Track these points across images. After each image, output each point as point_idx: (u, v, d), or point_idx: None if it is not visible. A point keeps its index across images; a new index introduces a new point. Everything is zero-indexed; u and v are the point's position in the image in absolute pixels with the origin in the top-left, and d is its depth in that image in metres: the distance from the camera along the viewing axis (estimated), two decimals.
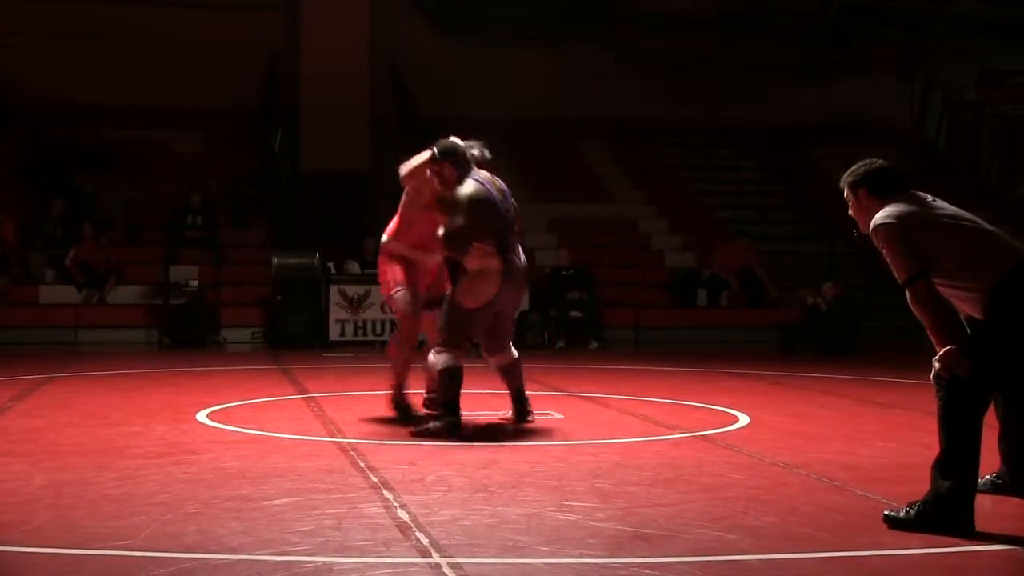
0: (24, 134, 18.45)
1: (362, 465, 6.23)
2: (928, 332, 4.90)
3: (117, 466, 6.18)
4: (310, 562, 4.30)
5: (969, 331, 4.99)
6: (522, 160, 20.09)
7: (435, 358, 7.46)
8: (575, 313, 16.35)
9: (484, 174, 7.51)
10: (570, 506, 5.25)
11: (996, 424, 5.42)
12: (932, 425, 4.95)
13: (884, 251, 4.98)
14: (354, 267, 16.18)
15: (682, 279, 17.61)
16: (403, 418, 7.98)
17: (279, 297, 15.37)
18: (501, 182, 7.60)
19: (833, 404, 9.59)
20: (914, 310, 4.93)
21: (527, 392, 7.92)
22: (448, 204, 7.36)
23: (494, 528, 4.82)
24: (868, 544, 4.67)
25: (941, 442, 4.87)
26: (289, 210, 17.49)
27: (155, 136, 19.14)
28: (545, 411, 8.64)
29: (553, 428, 7.86)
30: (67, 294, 15.94)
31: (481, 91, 19.79)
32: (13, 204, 16.82)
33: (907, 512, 4.86)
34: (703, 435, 7.51)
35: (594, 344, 16.02)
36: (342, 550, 4.45)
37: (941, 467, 4.84)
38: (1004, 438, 5.45)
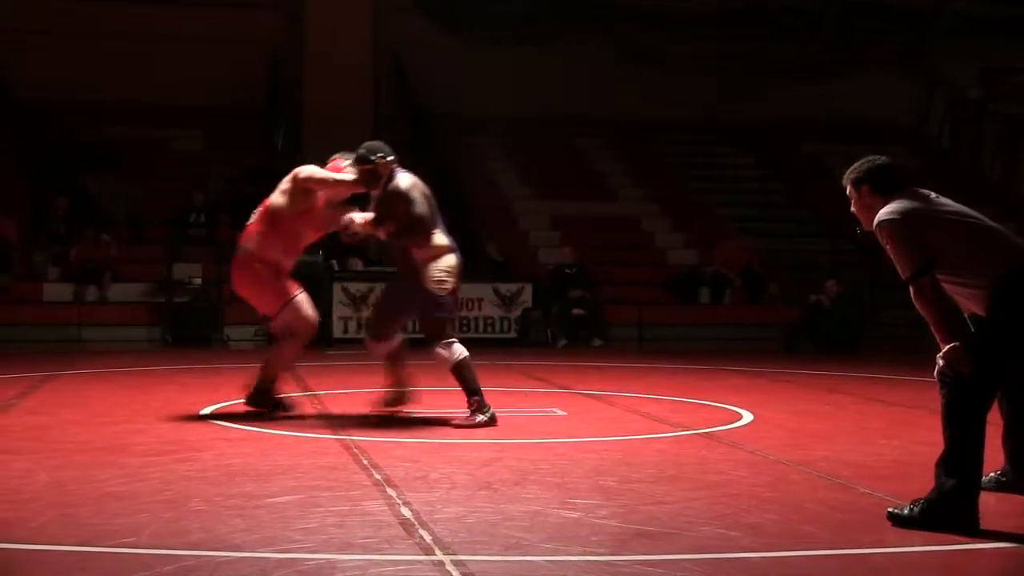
0: (26, 132, 18.45)
1: (365, 462, 6.23)
2: (932, 329, 4.90)
3: (121, 463, 6.19)
4: (313, 559, 4.29)
5: (973, 328, 4.99)
6: (524, 158, 20.15)
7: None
8: (578, 311, 16.36)
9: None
10: (573, 503, 5.25)
11: (1000, 422, 5.42)
12: (936, 423, 4.94)
13: (888, 247, 4.98)
14: (358, 265, 16.19)
15: (684, 277, 17.62)
16: (259, 406, 7.97)
17: None
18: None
19: (837, 402, 9.58)
20: (918, 307, 4.92)
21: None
22: (394, 198, 7.59)
23: (497, 525, 4.82)
24: (871, 542, 4.67)
25: (945, 439, 4.86)
26: None
27: (157, 134, 19.13)
28: (548, 408, 8.64)
29: (556, 425, 7.86)
30: (70, 292, 15.93)
31: (483, 89, 19.79)
32: (16, 202, 16.83)
33: (911, 510, 4.85)
34: (706, 432, 7.51)
35: (597, 342, 16.03)
36: (345, 547, 4.45)
37: (945, 465, 4.83)
38: (1008, 436, 5.45)
